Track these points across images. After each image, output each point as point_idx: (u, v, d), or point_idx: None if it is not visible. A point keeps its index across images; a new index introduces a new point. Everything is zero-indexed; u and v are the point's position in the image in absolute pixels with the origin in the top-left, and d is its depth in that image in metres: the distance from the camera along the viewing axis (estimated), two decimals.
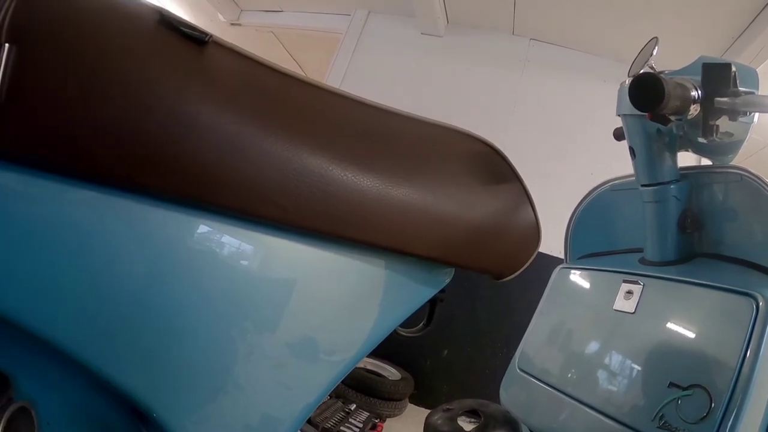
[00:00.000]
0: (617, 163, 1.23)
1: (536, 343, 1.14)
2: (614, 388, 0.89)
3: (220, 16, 3.59)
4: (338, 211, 0.49)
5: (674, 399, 0.77)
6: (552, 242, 1.31)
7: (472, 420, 1.09)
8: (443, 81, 2.94)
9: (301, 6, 3.37)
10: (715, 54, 2.28)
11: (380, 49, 3.07)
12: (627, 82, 0.91)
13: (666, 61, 0.94)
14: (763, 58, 2.32)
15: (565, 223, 1.26)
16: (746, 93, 0.75)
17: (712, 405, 0.72)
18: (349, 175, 0.49)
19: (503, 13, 2.78)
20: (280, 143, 0.46)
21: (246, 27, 3.65)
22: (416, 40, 3.04)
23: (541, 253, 0.69)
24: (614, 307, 0.97)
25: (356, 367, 2.22)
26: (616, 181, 1.17)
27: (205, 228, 0.47)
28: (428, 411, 1.15)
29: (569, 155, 2.68)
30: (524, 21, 2.81)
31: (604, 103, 1.43)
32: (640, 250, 1.05)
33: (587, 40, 2.77)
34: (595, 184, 1.22)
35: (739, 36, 2.37)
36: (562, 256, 1.28)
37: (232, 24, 3.64)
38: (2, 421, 0.42)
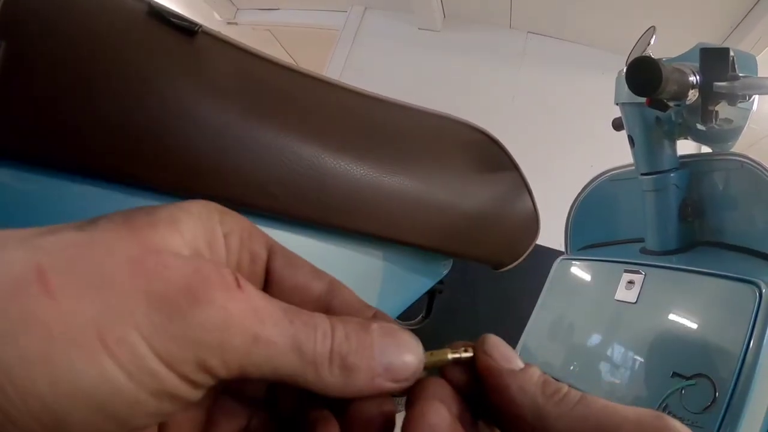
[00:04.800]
0: (617, 154, 1.22)
1: (538, 335, 1.13)
2: (617, 380, 0.89)
3: (216, 16, 3.58)
4: (332, 200, 0.49)
5: (678, 389, 0.76)
6: (552, 234, 1.30)
7: None
8: (441, 76, 2.93)
9: (298, 3, 3.37)
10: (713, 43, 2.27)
11: (377, 45, 3.06)
12: (624, 70, 0.90)
13: (664, 51, 0.93)
14: (762, 46, 2.31)
15: (565, 214, 1.25)
16: (745, 77, 0.75)
17: (716, 394, 0.72)
18: (343, 164, 0.49)
19: (500, 6, 2.77)
20: (272, 132, 0.46)
21: (242, 26, 3.64)
22: (413, 36, 3.02)
23: (541, 245, 0.68)
24: (616, 298, 0.96)
25: None
26: (615, 171, 1.16)
27: None
28: None
29: (568, 147, 2.66)
30: (521, 14, 2.80)
31: (603, 95, 1.42)
32: (641, 240, 1.05)
33: (585, 32, 2.76)
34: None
35: (738, 25, 2.36)
36: (562, 248, 1.28)
37: (228, 23, 3.63)
38: None
